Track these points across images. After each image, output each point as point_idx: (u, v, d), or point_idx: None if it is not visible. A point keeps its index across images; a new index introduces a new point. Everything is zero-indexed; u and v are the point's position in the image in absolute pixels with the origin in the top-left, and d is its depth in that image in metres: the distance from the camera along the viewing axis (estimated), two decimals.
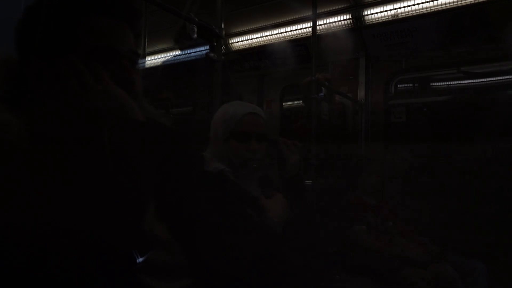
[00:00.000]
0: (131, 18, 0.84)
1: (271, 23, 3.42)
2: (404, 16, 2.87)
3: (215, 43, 1.77)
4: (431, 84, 3.21)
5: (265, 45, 3.54)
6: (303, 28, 3.30)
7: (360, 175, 2.53)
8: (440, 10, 2.74)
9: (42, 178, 0.64)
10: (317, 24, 2.59)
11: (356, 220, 2.24)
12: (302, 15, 3.25)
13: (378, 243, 2.16)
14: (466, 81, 3.01)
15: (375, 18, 3.00)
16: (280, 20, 3.38)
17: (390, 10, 2.90)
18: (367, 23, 3.05)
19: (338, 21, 3.12)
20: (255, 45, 3.60)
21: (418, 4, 2.78)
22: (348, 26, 3.11)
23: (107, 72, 0.75)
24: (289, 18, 3.34)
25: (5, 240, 0.59)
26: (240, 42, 3.67)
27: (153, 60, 3.78)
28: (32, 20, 0.77)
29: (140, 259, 0.75)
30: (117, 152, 0.70)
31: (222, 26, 1.75)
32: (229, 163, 1.39)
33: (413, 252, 2.10)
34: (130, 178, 0.70)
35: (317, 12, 2.60)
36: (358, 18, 3.05)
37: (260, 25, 3.48)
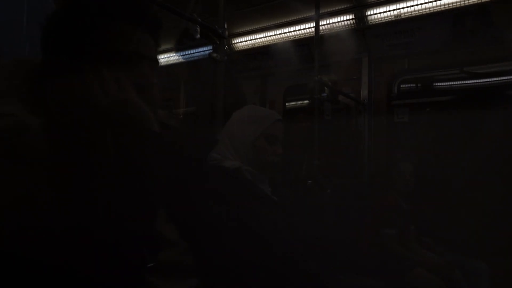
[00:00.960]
0: (154, 27, 0.86)
1: (274, 23, 3.42)
2: (407, 16, 2.87)
3: (218, 44, 1.78)
4: (434, 84, 3.21)
5: (268, 45, 3.54)
6: (306, 29, 3.30)
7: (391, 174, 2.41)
8: (443, 10, 2.73)
9: (59, 180, 0.64)
10: (320, 24, 2.60)
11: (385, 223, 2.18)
12: (305, 16, 3.25)
13: (404, 250, 2.14)
14: (469, 81, 3.01)
15: (378, 18, 3.00)
16: (283, 21, 3.38)
17: (393, 10, 2.89)
18: (370, 23, 3.05)
19: (341, 21, 3.12)
20: (258, 46, 3.61)
21: (421, 4, 2.78)
22: (351, 27, 3.11)
23: (130, 77, 0.76)
24: (292, 19, 3.34)
25: (18, 240, 0.60)
26: (243, 42, 3.67)
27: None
28: (59, 22, 0.78)
29: (150, 260, 0.75)
30: (131, 159, 0.70)
31: (225, 26, 1.76)
32: (250, 162, 1.43)
33: (429, 260, 2.08)
34: (144, 184, 0.71)
35: (320, 12, 2.61)
36: (361, 19, 3.05)
37: (263, 25, 3.48)
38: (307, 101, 2.84)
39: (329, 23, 3.15)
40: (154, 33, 0.86)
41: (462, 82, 3.04)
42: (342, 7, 3.09)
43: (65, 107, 0.70)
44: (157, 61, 0.88)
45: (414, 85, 3.27)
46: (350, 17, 3.08)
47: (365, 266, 1.77)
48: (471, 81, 2.99)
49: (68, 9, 0.79)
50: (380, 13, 2.96)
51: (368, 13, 3.01)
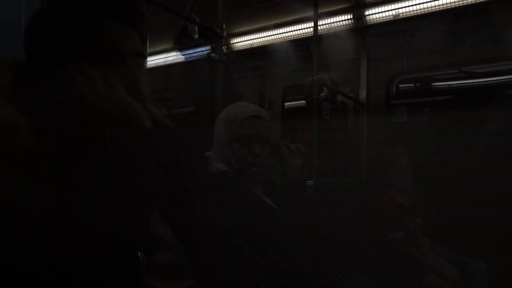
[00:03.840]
0: (137, 21, 0.85)
1: (272, 23, 3.42)
2: (405, 16, 2.87)
3: (216, 44, 1.78)
4: (433, 84, 3.21)
5: (266, 45, 3.54)
6: (304, 28, 3.30)
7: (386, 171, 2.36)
8: (441, 10, 2.73)
9: (49, 180, 0.64)
10: (318, 24, 2.59)
11: (391, 225, 2.15)
12: (303, 15, 3.25)
13: (414, 253, 2.11)
14: (467, 81, 3.01)
15: (376, 18, 3.00)
16: (281, 20, 3.38)
17: (391, 10, 2.89)
18: (368, 23, 3.05)
19: (339, 21, 3.12)
20: (256, 45, 3.60)
21: (419, 4, 2.78)
22: (350, 26, 3.11)
23: (115, 74, 0.75)
24: (291, 18, 3.34)
25: (12, 240, 0.60)
26: (241, 42, 3.67)
27: (154, 61, 3.79)
28: (41, 21, 0.78)
29: (145, 260, 0.75)
30: (124, 157, 0.70)
31: (224, 26, 1.76)
32: (230, 165, 1.39)
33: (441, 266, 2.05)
34: (137, 183, 0.71)
35: (319, 12, 2.60)
36: (359, 18, 3.05)
37: (261, 25, 3.48)
38: (306, 101, 2.84)
39: (328, 23, 3.15)
40: (138, 27, 0.85)
41: (461, 82, 3.04)
42: (341, 7, 3.09)
43: (53, 107, 0.70)
44: (143, 56, 0.87)
45: (413, 85, 3.28)
46: (349, 17, 3.08)
47: (375, 269, 1.75)
48: (469, 81, 2.99)
49: (51, 7, 0.79)
50: (378, 12, 2.96)
51: (367, 13, 3.01)
